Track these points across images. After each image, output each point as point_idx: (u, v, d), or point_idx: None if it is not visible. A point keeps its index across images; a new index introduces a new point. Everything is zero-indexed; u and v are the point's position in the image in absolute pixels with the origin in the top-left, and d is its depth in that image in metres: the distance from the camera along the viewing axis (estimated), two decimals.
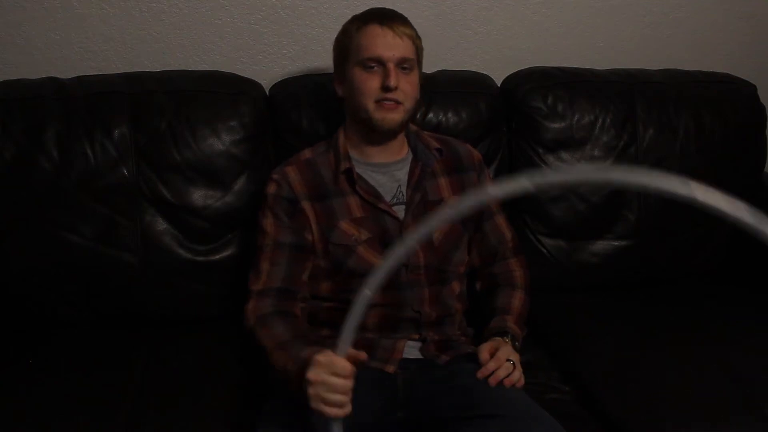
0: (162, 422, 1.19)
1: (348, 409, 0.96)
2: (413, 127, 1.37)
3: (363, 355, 0.99)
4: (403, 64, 1.23)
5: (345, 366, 0.96)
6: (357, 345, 1.26)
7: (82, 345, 1.43)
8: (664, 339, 1.46)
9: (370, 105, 1.23)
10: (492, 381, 1.15)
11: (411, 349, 1.27)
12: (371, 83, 1.23)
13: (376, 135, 1.28)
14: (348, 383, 0.96)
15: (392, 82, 1.21)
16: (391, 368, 1.23)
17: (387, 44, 1.22)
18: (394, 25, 1.23)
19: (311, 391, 0.96)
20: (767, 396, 1.27)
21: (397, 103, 1.23)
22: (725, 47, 1.98)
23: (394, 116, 1.24)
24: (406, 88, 1.24)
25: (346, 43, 1.27)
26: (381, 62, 1.22)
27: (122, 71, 1.57)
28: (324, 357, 0.97)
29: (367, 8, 1.31)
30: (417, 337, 1.28)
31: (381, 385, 1.20)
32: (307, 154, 1.35)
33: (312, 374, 0.97)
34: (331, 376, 0.95)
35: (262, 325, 1.18)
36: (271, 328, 1.17)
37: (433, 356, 1.26)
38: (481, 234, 1.40)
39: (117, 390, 1.26)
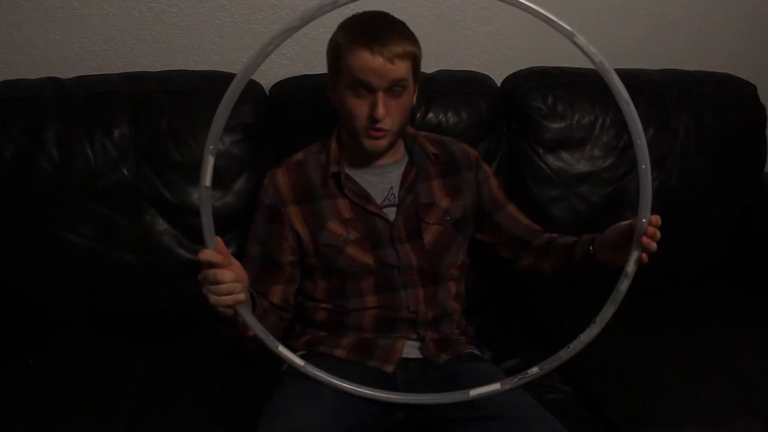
0: (162, 422, 1.19)
1: (235, 298, 1.03)
2: (411, 130, 1.37)
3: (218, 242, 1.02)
4: (394, 87, 1.18)
5: (212, 255, 1.01)
6: (355, 345, 1.28)
7: (82, 345, 1.43)
8: (664, 339, 1.46)
9: (359, 129, 1.21)
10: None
11: (410, 349, 1.28)
12: (360, 108, 1.19)
13: (366, 152, 1.27)
14: (225, 273, 1.01)
15: (379, 114, 1.17)
16: (390, 368, 1.24)
17: (376, 71, 1.15)
18: (384, 49, 1.15)
19: (203, 291, 1.03)
20: (767, 396, 1.27)
21: (384, 130, 1.21)
22: (725, 47, 1.98)
23: (380, 143, 1.23)
24: (395, 113, 1.20)
25: (337, 59, 1.21)
26: (370, 88, 1.17)
27: (122, 71, 1.57)
28: (200, 254, 1.02)
29: (354, 14, 1.23)
30: (415, 336, 1.28)
31: (380, 385, 1.20)
32: (299, 155, 1.35)
33: (199, 275, 1.03)
34: (210, 271, 1.01)
35: None
36: None
37: (433, 355, 1.26)
38: (495, 226, 1.39)
39: (117, 390, 1.27)
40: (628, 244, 1.05)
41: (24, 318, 1.49)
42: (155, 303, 1.50)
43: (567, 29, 0.87)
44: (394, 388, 1.21)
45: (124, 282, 1.48)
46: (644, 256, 1.03)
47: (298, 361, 1.11)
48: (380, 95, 1.17)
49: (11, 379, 1.30)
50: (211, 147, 0.94)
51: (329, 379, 1.11)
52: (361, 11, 1.24)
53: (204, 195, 0.98)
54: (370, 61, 1.16)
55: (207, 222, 0.99)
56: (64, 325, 1.48)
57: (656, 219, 1.03)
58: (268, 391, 1.18)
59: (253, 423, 1.09)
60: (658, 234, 1.03)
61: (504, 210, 1.40)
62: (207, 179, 0.96)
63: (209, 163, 0.95)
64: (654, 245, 1.03)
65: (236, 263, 1.05)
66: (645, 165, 0.94)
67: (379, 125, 1.19)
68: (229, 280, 1.02)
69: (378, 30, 1.19)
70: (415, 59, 1.21)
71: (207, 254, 1.01)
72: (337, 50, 1.21)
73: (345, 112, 1.23)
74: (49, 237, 1.43)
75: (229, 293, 1.02)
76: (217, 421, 1.20)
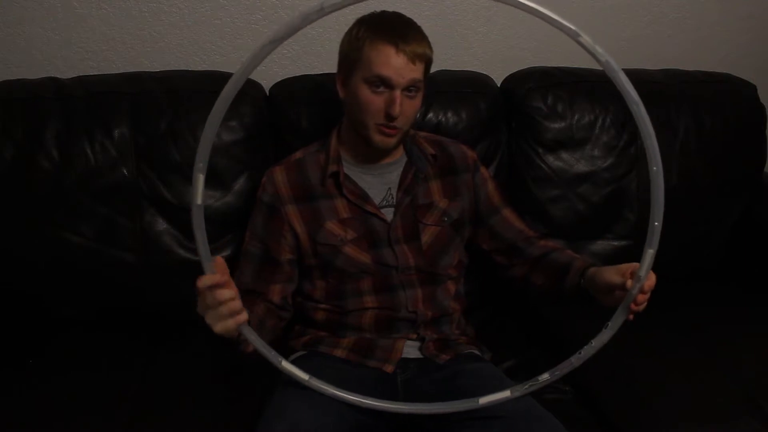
0: (162, 422, 1.19)
1: (237, 320, 0.99)
2: (410, 131, 1.37)
3: (219, 263, 0.99)
4: (410, 87, 1.19)
5: (211, 278, 0.97)
6: (355, 345, 1.27)
7: (82, 345, 1.43)
8: (664, 339, 1.46)
9: (370, 125, 1.21)
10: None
11: (410, 349, 1.28)
12: (375, 105, 1.19)
13: (370, 149, 1.27)
14: (224, 292, 0.97)
15: (396, 112, 1.17)
16: (390, 368, 1.24)
17: (398, 69, 1.16)
18: (408, 48, 1.16)
19: (207, 320, 0.99)
20: (767, 396, 1.27)
21: (396, 128, 1.21)
22: (725, 47, 1.98)
23: (390, 140, 1.23)
24: (408, 112, 1.21)
25: (355, 52, 1.20)
26: (389, 85, 1.18)
27: (122, 71, 1.57)
28: (198, 282, 0.98)
29: (372, 12, 1.24)
30: (415, 336, 1.29)
31: (381, 385, 1.20)
32: (298, 154, 1.35)
33: (198, 307, 1.00)
34: (208, 294, 0.97)
35: None
36: None
37: (433, 355, 1.26)
38: (489, 230, 1.39)
39: (117, 390, 1.27)
40: (616, 294, 1.07)
41: (24, 318, 1.49)
42: (155, 303, 1.50)
43: (571, 29, 0.85)
44: (394, 388, 1.21)
45: (124, 282, 1.48)
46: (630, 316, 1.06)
47: (303, 375, 1.09)
48: (398, 93, 1.17)
49: (11, 379, 1.30)
50: (201, 165, 0.92)
51: (334, 392, 1.09)
52: (379, 11, 1.24)
53: (196, 213, 0.95)
54: (394, 58, 1.16)
55: (201, 238, 0.96)
56: (64, 325, 1.48)
57: (651, 282, 1.04)
58: (269, 392, 1.17)
59: (253, 424, 1.10)
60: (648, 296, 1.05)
61: (500, 214, 1.40)
62: (198, 197, 0.93)
63: (200, 181, 0.93)
64: (643, 307, 1.05)
65: (231, 280, 1.01)
66: (656, 167, 0.90)
67: (393, 123, 1.19)
68: (227, 298, 0.98)
69: (402, 29, 1.20)
70: (429, 63, 1.23)
71: (206, 280, 0.97)
72: (356, 43, 1.20)
73: (358, 106, 1.21)
74: (49, 237, 1.44)
75: (230, 314, 0.99)
76: (217, 421, 1.20)
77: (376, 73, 1.17)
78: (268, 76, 1.64)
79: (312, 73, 1.63)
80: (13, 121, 1.42)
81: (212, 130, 0.90)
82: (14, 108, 1.44)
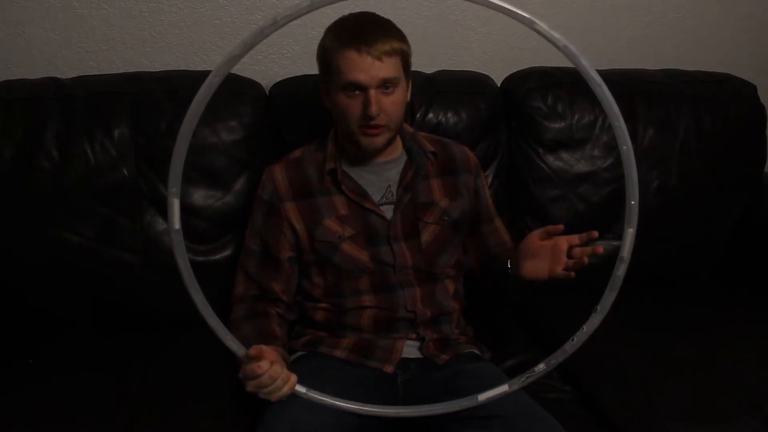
0: (162, 422, 1.19)
1: (290, 384, 1.05)
2: (409, 129, 1.37)
3: (256, 351, 1.04)
4: (385, 84, 1.18)
5: (251, 369, 1.03)
6: (355, 345, 1.27)
7: (82, 345, 1.43)
8: (664, 339, 1.46)
9: (354, 129, 1.21)
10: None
11: (410, 349, 1.28)
12: (353, 109, 1.19)
13: (362, 151, 1.27)
14: (275, 368, 1.03)
15: (373, 111, 1.17)
16: (389, 368, 1.24)
17: (365, 70, 1.16)
18: (372, 48, 1.15)
19: (262, 396, 1.05)
20: (767, 396, 1.27)
21: (380, 126, 1.21)
22: (725, 47, 1.98)
23: (377, 140, 1.23)
24: (389, 108, 1.20)
25: (327, 62, 1.22)
26: (361, 88, 1.18)
27: (122, 71, 1.57)
28: (240, 374, 1.06)
29: (348, 14, 1.24)
30: (414, 336, 1.28)
31: (381, 385, 1.20)
32: (297, 152, 1.36)
33: (248, 388, 1.06)
34: (252, 382, 1.04)
35: (234, 330, 1.19)
36: (240, 331, 1.21)
37: (433, 355, 1.26)
38: (479, 237, 1.40)
39: (117, 390, 1.27)
40: (544, 254, 1.16)
41: (24, 318, 1.49)
42: (155, 303, 1.50)
43: (525, 17, 0.84)
44: (394, 389, 1.21)
45: (124, 282, 1.48)
46: (585, 259, 1.17)
47: (300, 389, 1.09)
48: (372, 93, 1.17)
49: (11, 379, 1.30)
50: (174, 189, 0.91)
51: (334, 402, 1.09)
52: (347, 12, 1.24)
53: (176, 239, 0.94)
54: (359, 61, 1.16)
55: (183, 264, 0.96)
56: (64, 325, 1.48)
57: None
58: None
59: (254, 424, 1.10)
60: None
61: (492, 223, 1.41)
62: (176, 222, 0.93)
63: (175, 206, 0.92)
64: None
65: (266, 348, 1.06)
66: (626, 146, 0.92)
67: (373, 122, 1.19)
68: (280, 373, 1.04)
69: (363, 30, 1.19)
70: (403, 55, 1.21)
71: (254, 370, 1.02)
72: (326, 54, 1.22)
73: (339, 114, 1.23)
74: (49, 237, 1.43)
75: (284, 383, 1.05)
76: (217, 421, 1.20)
77: (346, 81, 1.18)
78: (268, 76, 1.64)
79: (312, 73, 1.62)
80: (13, 121, 1.42)
81: (181, 157, 0.92)
82: (14, 108, 1.44)
